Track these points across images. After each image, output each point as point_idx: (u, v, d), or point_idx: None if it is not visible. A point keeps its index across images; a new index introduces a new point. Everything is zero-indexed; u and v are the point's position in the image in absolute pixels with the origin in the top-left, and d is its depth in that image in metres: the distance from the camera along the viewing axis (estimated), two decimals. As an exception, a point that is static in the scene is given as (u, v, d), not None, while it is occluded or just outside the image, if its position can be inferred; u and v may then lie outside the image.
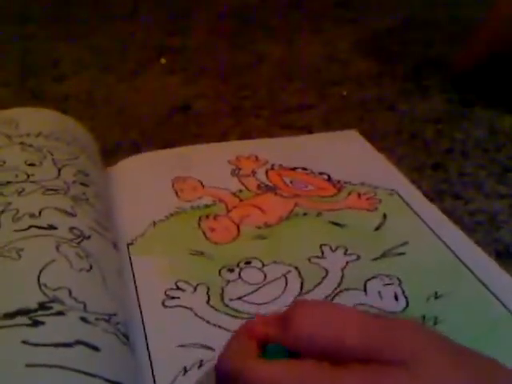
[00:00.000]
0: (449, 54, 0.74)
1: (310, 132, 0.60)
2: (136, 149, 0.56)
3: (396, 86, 0.69)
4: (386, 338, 0.25)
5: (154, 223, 0.45)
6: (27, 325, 0.29)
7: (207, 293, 0.38)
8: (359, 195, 0.48)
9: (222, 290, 0.39)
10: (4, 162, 0.43)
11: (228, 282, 0.39)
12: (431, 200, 0.48)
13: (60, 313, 0.30)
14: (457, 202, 0.48)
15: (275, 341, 0.28)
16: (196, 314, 0.37)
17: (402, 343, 0.25)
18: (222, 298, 0.38)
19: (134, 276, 0.40)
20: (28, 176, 0.41)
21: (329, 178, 0.50)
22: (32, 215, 0.37)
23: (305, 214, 0.46)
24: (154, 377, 0.33)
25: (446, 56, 0.75)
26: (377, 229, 0.44)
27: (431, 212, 0.46)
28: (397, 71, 0.73)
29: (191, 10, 0.96)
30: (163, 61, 0.77)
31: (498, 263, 0.41)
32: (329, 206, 0.47)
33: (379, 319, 0.27)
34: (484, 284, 0.39)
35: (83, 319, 0.30)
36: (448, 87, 0.68)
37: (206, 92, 0.69)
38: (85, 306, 0.31)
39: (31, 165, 0.43)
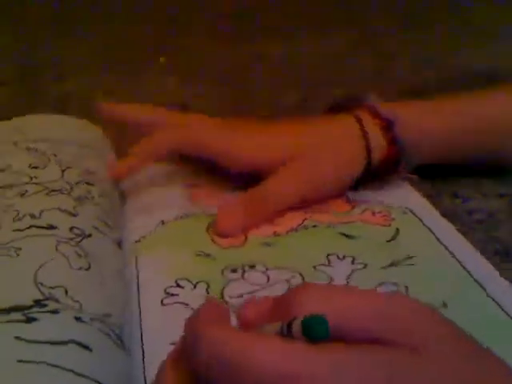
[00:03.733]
0: (448, 53, 0.75)
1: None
2: (135, 148, 0.56)
3: (394, 85, 0.69)
4: (398, 322, 0.24)
5: (163, 222, 0.45)
6: (21, 321, 0.29)
7: (207, 289, 0.38)
8: (373, 213, 0.47)
9: (223, 288, 0.38)
10: (10, 166, 0.43)
11: (230, 281, 0.39)
12: (429, 197, 0.48)
13: (54, 311, 0.30)
14: (455, 201, 0.48)
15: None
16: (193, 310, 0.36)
17: (414, 328, 0.24)
18: (222, 296, 0.38)
19: (137, 274, 0.40)
20: (31, 178, 0.42)
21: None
22: (32, 216, 0.37)
23: (314, 226, 0.45)
24: (145, 378, 0.32)
25: (445, 55, 0.75)
26: (389, 241, 0.43)
27: (445, 229, 0.45)
28: (395, 70, 0.73)
29: (190, 10, 0.96)
30: (162, 59, 0.77)
31: (496, 262, 0.41)
32: (341, 219, 0.46)
33: (393, 299, 0.25)
34: (494, 300, 0.37)
35: (77, 318, 0.30)
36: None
37: (204, 92, 0.69)
38: (80, 306, 0.31)
39: (35, 168, 0.43)
